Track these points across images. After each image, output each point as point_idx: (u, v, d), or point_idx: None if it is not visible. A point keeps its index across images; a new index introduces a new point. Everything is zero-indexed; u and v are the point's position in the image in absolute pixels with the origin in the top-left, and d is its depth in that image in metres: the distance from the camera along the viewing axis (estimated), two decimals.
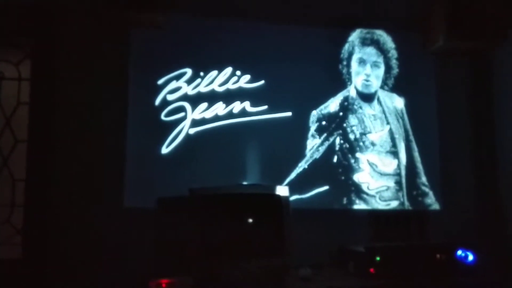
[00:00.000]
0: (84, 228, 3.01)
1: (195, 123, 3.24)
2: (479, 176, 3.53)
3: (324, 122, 3.44)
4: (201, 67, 3.29)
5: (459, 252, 2.89)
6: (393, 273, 2.76)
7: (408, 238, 3.34)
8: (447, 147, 3.56)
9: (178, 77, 3.26)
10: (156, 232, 3.01)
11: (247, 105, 3.31)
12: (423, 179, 3.51)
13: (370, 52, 3.56)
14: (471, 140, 3.59)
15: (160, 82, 3.23)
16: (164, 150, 3.18)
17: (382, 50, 3.58)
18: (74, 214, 3.03)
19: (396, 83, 3.58)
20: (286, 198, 2.84)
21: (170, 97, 3.24)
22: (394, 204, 3.44)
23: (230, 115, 3.28)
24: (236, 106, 3.30)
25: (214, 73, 3.30)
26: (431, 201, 3.49)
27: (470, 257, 2.87)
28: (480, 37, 3.31)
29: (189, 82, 3.27)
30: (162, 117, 3.20)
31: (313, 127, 3.42)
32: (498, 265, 3.15)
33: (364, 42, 3.57)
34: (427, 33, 3.48)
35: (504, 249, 3.29)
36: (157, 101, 3.22)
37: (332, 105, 3.48)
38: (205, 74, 3.29)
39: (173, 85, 3.24)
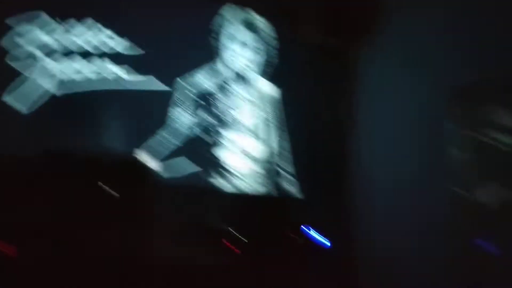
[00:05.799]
0: None
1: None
2: (340, 170, 3.69)
3: (197, 99, 3.28)
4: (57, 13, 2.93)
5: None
6: None
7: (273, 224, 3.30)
8: (315, 139, 3.65)
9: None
10: None
11: (107, 62, 3.02)
12: (291, 168, 3.54)
13: (246, 33, 3.46)
14: (336, 134, 3.74)
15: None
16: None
17: (260, 36, 3.53)
18: None
19: (273, 72, 3.58)
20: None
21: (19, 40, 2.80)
22: (260, 189, 3.40)
23: (89, 72, 2.98)
24: (96, 62, 2.99)
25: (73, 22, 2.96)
26: (296, 190, 3.53)
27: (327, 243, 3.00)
28: (345, 35, 3.49)
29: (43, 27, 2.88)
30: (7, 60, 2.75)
31: (185, 101, 3.23)
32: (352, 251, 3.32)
33: (241, 22, 3.47)
34: (299, 26, 3.56)
35: (357, 238, 3.47)
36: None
37: (205, 81, 3.32)
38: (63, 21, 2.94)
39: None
